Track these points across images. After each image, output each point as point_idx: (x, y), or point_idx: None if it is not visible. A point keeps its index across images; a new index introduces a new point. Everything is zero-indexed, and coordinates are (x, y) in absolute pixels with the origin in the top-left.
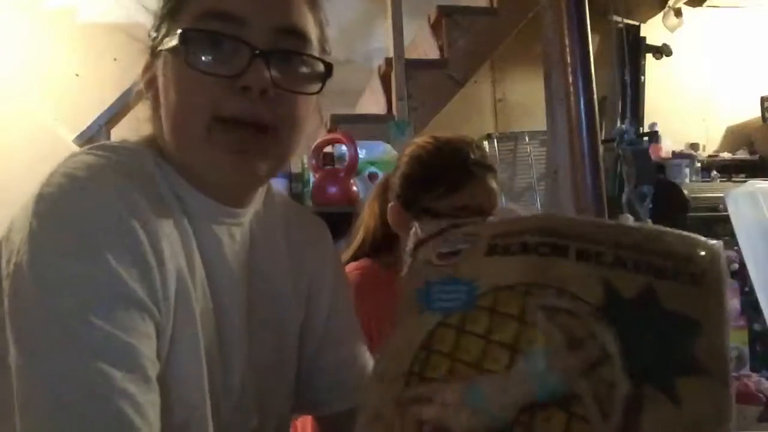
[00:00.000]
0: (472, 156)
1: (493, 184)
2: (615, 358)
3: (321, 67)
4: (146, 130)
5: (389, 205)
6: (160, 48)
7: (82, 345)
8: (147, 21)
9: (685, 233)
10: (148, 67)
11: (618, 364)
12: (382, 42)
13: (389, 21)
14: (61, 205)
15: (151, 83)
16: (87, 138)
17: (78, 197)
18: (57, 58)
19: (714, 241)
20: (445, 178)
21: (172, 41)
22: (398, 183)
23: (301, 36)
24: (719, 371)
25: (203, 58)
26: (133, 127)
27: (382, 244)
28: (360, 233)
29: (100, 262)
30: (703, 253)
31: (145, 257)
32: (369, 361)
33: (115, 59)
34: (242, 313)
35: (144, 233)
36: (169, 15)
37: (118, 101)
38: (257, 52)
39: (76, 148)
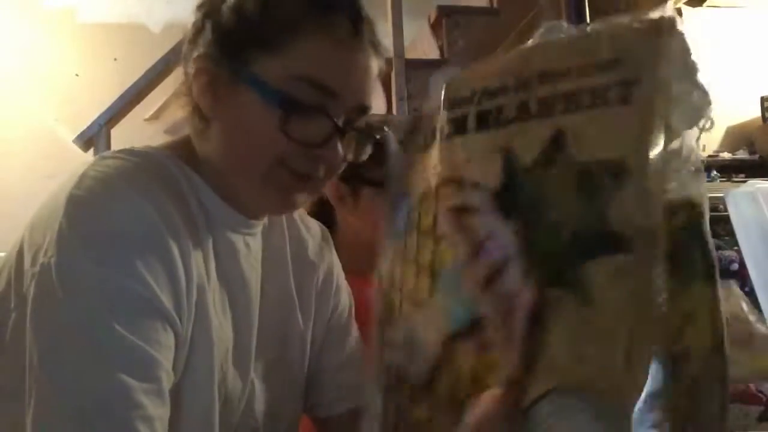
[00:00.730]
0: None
1: None
2: (514, 261)
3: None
4: (147, 130)
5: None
6: (241, 77)
7: (103, 352)
8: (151, 21)
9: (620, 26)
10: (213, 79)
11: (517, 268)
12: (382, 42)
13: (389, 21)
14: (94, 208)
15: (213, 98)
16: (87, 138)
17: (111, 202)
18: (57, 58)
19: (667, 15)
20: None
21: (264, 91)
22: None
23: (368, 109)
24: (645, 241)
25: (291, 123)
26: (134, 127)
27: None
28: None
29: (129, 270)
30: (640, 47)
31: (175, 267)
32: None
33: (115, 59)
34: (255, 322)
35: (174, 243)
36: (260, 47)
37: (118, 101)
38: (338, 128)
39: (76, 148)
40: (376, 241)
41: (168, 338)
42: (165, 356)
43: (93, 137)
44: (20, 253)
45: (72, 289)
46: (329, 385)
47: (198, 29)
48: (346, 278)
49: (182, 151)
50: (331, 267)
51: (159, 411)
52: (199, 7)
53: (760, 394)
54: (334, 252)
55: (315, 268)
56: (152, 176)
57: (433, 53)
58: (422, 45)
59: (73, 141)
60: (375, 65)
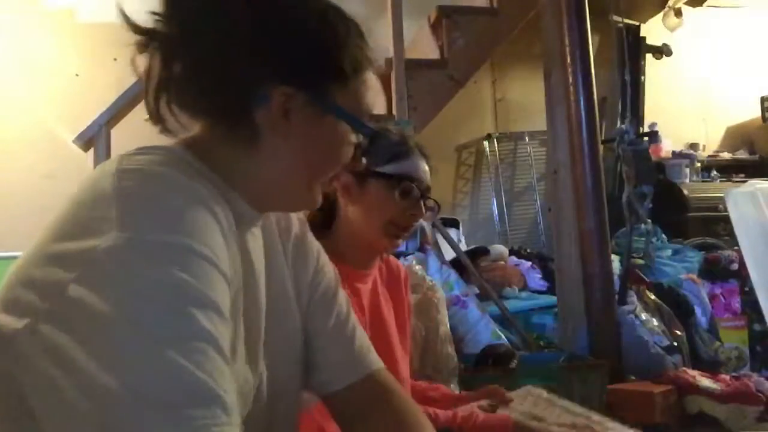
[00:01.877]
0: (411, 140)
1: (428, 169)
2: None
3: None
4: (147, 130)
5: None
6: (323, 103)
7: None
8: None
9: None
10: (291, 98)
11: None
12: (382, 42)
13: (389, 21)
14: (150, 195)
15: (283, 113)
16: (87, 138)
17: (165, 187)
18: (57, 58)
19: None
20: (389, 146)
21: (349, 119)
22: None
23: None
24: None
25: (369, 148)
26: (134, 127)
27: (320, 227)
28: None
29: (198, 240)
30: None
31: (228, 240)
32: (360, 332)
33: (115, 59)
34: (263, 314)
35: (221, 233)
36: (337, 77)
37: (118, 101)
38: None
39: (76, 148)
40: (375, 236)
41: (227, 294)
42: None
43: (93, 137)
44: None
45: (149, 262)
46: (322, 365)
47: (257, 50)
48: (342, 270)
49: (197, 150)
50: (317, 252)
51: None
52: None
53: (759, 394)
54: (312, 236)
55: (304, 256)
56: (183, 168)
57: (433, 53)
58: (422, 45)
59: (73, 141)
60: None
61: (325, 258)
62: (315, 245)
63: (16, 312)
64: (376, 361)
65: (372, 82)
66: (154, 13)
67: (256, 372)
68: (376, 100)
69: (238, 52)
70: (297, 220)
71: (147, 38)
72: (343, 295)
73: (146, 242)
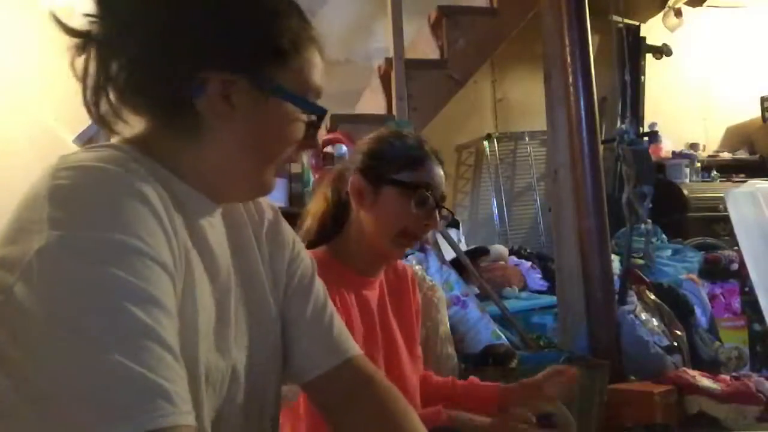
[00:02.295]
0: (431, 147)
1: (443, 176)
2: None
3: None
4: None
5: (350, 177)
6: (265, 87)
7: (109, 294)
8: None
9: None
10: (230, 84)
11: None
12: (382, 42)
13: (389, 21)
14: (81, 191)
15: (223, 100)
16: (87, 138)
17: (97, 182)
18: (57, 58)
19: None
20: (406, 154)
21: (295, 101)
22: (360, 159)
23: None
24: None
25: (316, 127)
26: (134, 127)
27: (330, 231)
28: (307, 220)
29: (129, 229)
30: None
31: (167, 230)
32: (336, 319)
33: None
34: (232, 297)
35: (159, 225)
36: (277, 58)
37: None
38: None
39: (76, 148)
40: (384, 244)
41: (169, 284)
42: (169, 301)
43: (93, 137)
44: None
45: (84, 258)
46: (299, 352)
47: (180, 34)
48: (349, 277)
49: (142, 145)
50: (291, 241)
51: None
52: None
53: (759, 394)
54: (287, 225)
55: (279, 245)
56: (122, 163)
57: (433, 53)
58: (422, 45)
59: (73, 141)
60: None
61: (300, 245)
62: (289, 233)
63: None
64: (354, 347)
65: (316, 59)
66: (87, 15)
67: (229, 359)
68: (323, 78)
69: (171, 43)
70: (269, 207)
71: (82, 41)
72: (319, 282)
73: (77, 239)
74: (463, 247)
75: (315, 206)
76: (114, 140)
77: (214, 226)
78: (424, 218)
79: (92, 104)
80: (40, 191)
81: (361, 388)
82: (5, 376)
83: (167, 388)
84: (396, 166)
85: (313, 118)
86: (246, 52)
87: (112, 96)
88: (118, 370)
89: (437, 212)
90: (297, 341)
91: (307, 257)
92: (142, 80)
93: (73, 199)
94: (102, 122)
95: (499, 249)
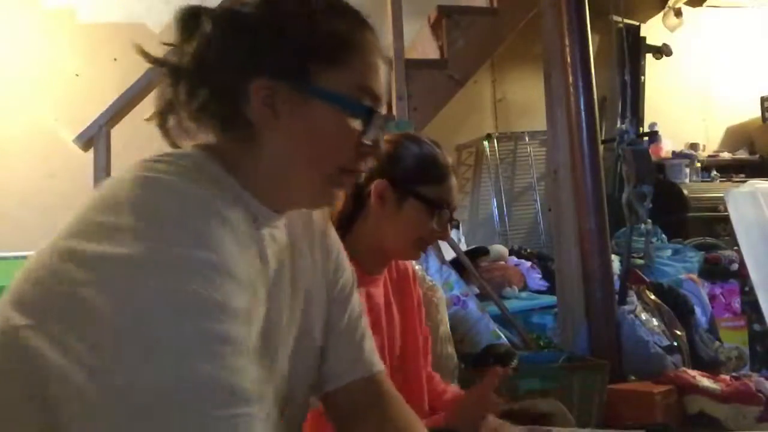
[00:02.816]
0: (449, 160)
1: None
2: None
3: None
4: (147, 130)
5: (377, 181)
6: (308, 90)
7: (187, 309)
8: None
9: None
10: (272, 94)
11: None
12: (382, 42)
13: (389, 21)
14: (167, 208)
15: (272, 112)
16: (87, 138)
17: (182, 201)
18: (57, 58)
19: None
20: (434, 169)
21: (338, 101)
22: (390, 164)
23: None
24: None
25: (366, 131)
26: (134, 127)
27: (343, 227)
28: None
29: (210, 249)
30: None
31: (244, 248)
32: (367, 333)
33: (115, 59)
34: (285, 306)
35: (235, 240)
36: (322, 62)
37: (118, 101)
38: (382, 128)
39: (76, 148)
40: (402, 249)
41: (246, 297)
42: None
43: (93, 137)
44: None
45: (170, 272)
46: (329, 360)
47: (228, 44)
48: (357, 274)
49: (212, 153)
50: (337, 250)
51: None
52: (225, 22)
53: (759, 394)
54: (335, 233)
55: (326, 254)
56: (198, 176)
57: (433, 53)
58: (422, 45)
59: (73, 141)
60: (387, 66)
61: (344, 255)
62: (336, 242)
63: (25, 309)
64: (378, 363)
65: (370, 62)
66: (165, 44)
67: (274, 370)
68: (383, 86)
69: (222, 57)
70: (319, 215)
71: (158, 65)
72: (357, 294)
73: (163, 254)
74: (463, 247)
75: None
76: (187, 149)
77: (275, 237)
78: (439, 231)
79: (161, 118)
80: (121, 196)
81: (379, 403)
82: (76, 364)
83: (247, 392)
84: (422, 180)
85: (365, 120)
86: (285, 58)
87: (181, 113)
88: (204, 375)
89: (449, 224)
90: (328, 350)
91: (349, 267)
92: (205, 95)
93: (158, 213)
94: (167, 135)
95: (499, 249)
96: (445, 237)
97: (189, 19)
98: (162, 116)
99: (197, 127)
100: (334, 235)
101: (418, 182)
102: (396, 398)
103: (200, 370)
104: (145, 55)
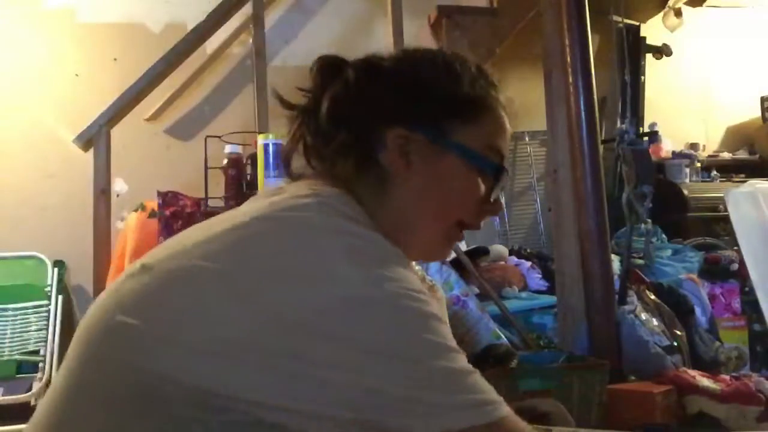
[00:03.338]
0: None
1: None
2: None
3: None
4: (147, 130)
5: None
6: (444, 143)
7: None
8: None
9: None
10: (410, 140)
11: None
12: (382, 42)
13: (389, 21)
14: (373, 254)
15: (406, 161)
16: (87, 138)
17: (380, 248)
18: (57, 58)
19: None
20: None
21: (470, 157)
22: None
23: None
24: None
25: (494, 188)
26: (134, 127)
27: None
28: None
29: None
30: None
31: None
32: None
33: (115, 59)
34: None
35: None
36: (459, 118)
37: (118, 101)
38: (504, 187)
39: (76, 148)
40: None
41: None
42: None
43: (93, 137)
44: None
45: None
46: None
47: (371, 80)
48: None
49: (351, 195)
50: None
51: None
52: (368, 71)
53: (759, 394)
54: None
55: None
56: (356, 219)
57: None
58: (422, 45)
59: (73, 141)
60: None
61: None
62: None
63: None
64: None
65: (500, 122)
66: (300, 89)
67: None
68: (508, 144)
69: (360, 104)
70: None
71: (291, 109)
72: None
73: (394, 298)
74: (463, 247)
75: None
76: (323, 188)
77: None
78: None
79: (288, 156)
80: (325, 246)
81: None
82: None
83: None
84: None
85: (491, 178)
86: (425, 110)
87: (310, 153)
88: (456, 373)
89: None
90: None
91: (443, 296)
92: (340, 138)
93: (375, 261)
94: (291, 175)
95: (499, 249)
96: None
97: (331, 67)
98: (289, 154)
99: (330, 168)
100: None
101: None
102: None
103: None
104: (282, 101)
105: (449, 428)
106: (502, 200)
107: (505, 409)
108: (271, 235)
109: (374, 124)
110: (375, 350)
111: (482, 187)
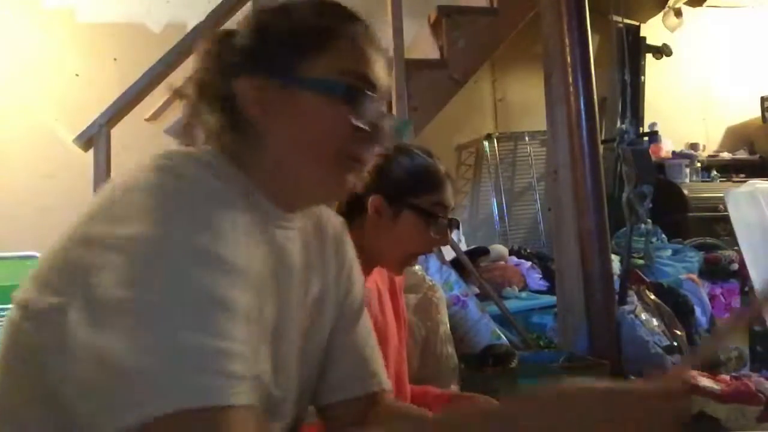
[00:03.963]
0: (441, 164)
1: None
2: None
3: None
4: (147, 130)
5: (372, 197)
6: (294, 83)
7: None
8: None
9: None
10: (261, 91)
11: None
12: (382, 42)
13: (389, 21)
14: (183, 197)
15: (262, 109)
16: (87, 138)
17: (196, 192)
18: (57, 58)
19: None
20: (426, 179)
21: (324, 87)
22: (378, 175)
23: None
24: None
25: (354, 111)
26: (134, 127)
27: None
28: None
29: (217, 241)
30: None
31: (246, 264)
32: (376, 350)
33: (115, 59)
34: (300, 314)
35: (246, 236)
36: (304, 53)
37: (118, 101)
38: (384, 112)
39: (76, 148)
40: (391, 263)
41: (248, 293)
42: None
43: (93, 137)
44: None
45: (171, 253)
46: (335, 373)
47: (223, 47)
48: None
49: (225, 151)
50: (351, 259)
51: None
52: (218, 39)
53: (759, 394)
54: (351, 243)
55: (342, 260)
56: (212, 171)
57: (433, 53)
58: (422, 45)
59: (73, 141)
60: (387, 62)
61: (357, 267)
62: (351, 252)
63: (46, 292)
64: (387, 382)
65: (352, 44)
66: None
67: (282, 373)
68: (381, 71)
69: (215, 67)
70: (336, 221)
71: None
72: (366, 311)
73: (175, 242)
74: (463, 247)
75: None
76: (203, 146)
77: (289, 239)
78: (439, 240)
79: (187, 133)
80: (139, 184)
81: (379, 420)
82: (80, 353)
83: (239, 371)
84: (415, 191)
85: (353, 102)
86: (268, 54)
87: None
88: (188, 349)
89: (449, 229)
90: (336, 362)
91: (361, 278)
92: (205, 107)
93: (172, 201)
94: (189, 137)
95: (499, 249)
96: (446, 243)
97: (208, 43)
98: (188, 128)
99: (209, 134)
100: (350, 245)
101: (412, 194)
102: (402, 417)
103: (188, 344)
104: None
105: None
106: (387, 126)
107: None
108: (112, 186)
109: (226, 81)
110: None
111: (345, 111)
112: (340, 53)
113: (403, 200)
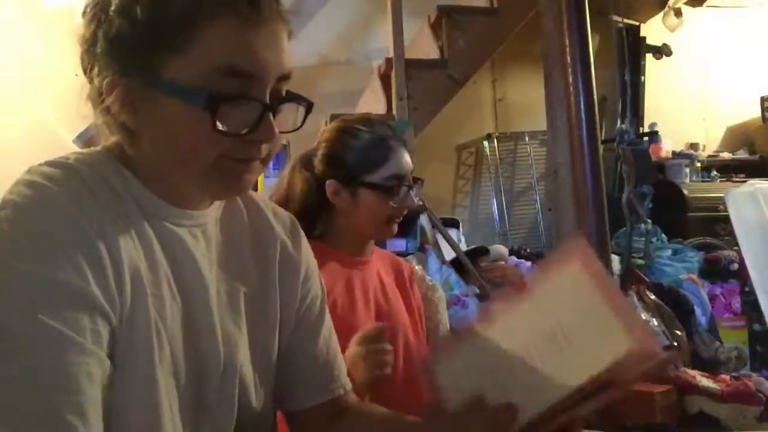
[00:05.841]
0: (388, 131)
1: (408, 154)
2: None
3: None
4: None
5: (327, 182)
6: (155, 86)
7: (30, 343)
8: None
9: None
10: (126, 92)
11: None
12: (382, 42)
13: (389, 21)
14: (21, 213)
15: (132, 111)
16: (87, 138)
17: (39, 207)
18: (57, 58)
19: None
20: (373, 155)
21: (184, 94)
22: (329, 162)
23: (290, 75)
24: None
25: (221, 118)
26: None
27: (314, 215)
28: (290, 204)
29: (53, 266)
30: None
31: (101, 259)
32: (338, 350)
33: None
34: (218, 313)
35: (101, 240)
36: (164, 51)
37: None
38: (266, 106)
39: (76, 148)
40: (375, 231)
41: (98, 325)
42: (96, 342)
43: (93, 137)
44: None
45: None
46: (299, 379)
47: (92, 42)
48: (340, 258)
49: (116, 151)
50: (307, 261)
51: (93, 393)
52: (88, 18)
53: (759, 394)
54: (304, 240)
55: (284, 258)
56: (79, 179)
57: (433, 53)
58: (422, 45)
59: (73, 141)
60: (283, 30)
61: (314, 268)
62: (305, 256)
63: None
64: (346, 384)
65: (226, 31)
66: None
67: (216, 358)
68: (266, 54)
69: (90, 57)
70: (286, 225)
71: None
72: (327, 312)
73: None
74: (463, 247)
75: (291, 193)
76: (97, 148)
77: (196, 236)
78: (402, 204)
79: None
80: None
81: (344, 422)
82: None
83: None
84: (365, 168)
85: (212, 109)
86: (130, 50)
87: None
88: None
89: (411, 192)
90: (301, 370)
91: (318, 283)
92: (92, 91)
93: (13, 221)
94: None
95: (499, 249)
96: (411, 206)
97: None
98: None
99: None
100: (303, 245)
101: (363, 172)
102: (362, 417)
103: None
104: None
105: None
106: (274, 123)
107: None
108: None
109: (93, 78)
110: None
111: (217, 124)
112: (209, 48)
113: (355, 180)
